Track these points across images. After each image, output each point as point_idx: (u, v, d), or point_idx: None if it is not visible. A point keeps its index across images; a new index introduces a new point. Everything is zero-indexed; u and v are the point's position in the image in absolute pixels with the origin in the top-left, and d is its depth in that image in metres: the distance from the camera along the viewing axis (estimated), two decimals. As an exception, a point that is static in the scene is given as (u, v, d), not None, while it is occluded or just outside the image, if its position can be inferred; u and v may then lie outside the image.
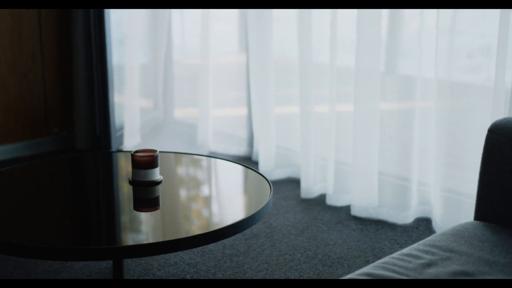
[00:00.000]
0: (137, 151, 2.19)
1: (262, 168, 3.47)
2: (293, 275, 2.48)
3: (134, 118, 3.88)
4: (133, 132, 3.88)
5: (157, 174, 2.18)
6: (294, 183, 3.43)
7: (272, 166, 3.47)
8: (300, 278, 2.46)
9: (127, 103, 3.85)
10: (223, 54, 3.90)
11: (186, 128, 4.14)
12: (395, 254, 1.60)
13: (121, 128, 3.90)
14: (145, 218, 2.09)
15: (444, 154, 2.79)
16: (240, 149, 3.84)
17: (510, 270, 1.51)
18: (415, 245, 1.65)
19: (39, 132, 3.93)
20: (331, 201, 3.13)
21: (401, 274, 1.48)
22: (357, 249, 2.69)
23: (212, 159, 2.64)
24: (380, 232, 2.85)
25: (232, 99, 3.92)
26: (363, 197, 2.99)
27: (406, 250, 1.62)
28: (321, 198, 3.22)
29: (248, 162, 3.72)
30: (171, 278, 2.45)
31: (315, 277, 2.47)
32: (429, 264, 1.54)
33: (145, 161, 2.16)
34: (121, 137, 3.87)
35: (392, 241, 2.76)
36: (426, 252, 1.60)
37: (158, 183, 2.18)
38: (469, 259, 1.56)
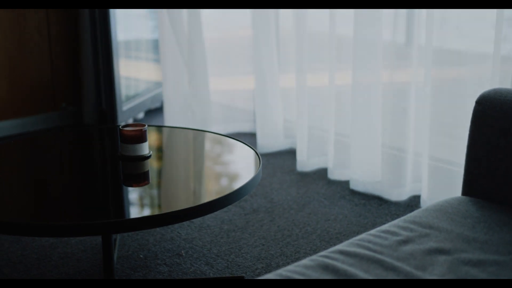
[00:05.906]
0: (125, 126, 2.15)
1: (262, 142, 3.42)
2: (289, 251, 2.44)
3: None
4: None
5: (146, 148, 2.14)
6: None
7: (280, 141, 3.43)
8: (296, 253, 2.42)
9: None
10: (237, 28, 3.83)
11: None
12: (373, 231, 1.54)
13: (130, 103, 3.88)
14: (134, 193, 2.06)
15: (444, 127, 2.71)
16: (251, 125, 3.80)
17: (489, 247, 1.45)
18: (395, 221, 1.59)
19: (46, 107, 3.93)
20: (332, 175, 3.08)
21: (375, 251, 1.43)
22: (357, 225, 2.64)
23: (205, 133, 2.60)
24: (383, 207, 2.79)
25: (244, 73, 3.86)
26: (365, 171, 2.92)
27: (385, 227, 1.56)
28: (322, 171, 3.17)
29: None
30: (166, 253, 2.43)
31: (312, 252, 2.43)
32: (405, 241, 1.48)
33: (133, 135, 2.12)
34: (129, 112, 3.85)
35: (394, 217, 2.70)
36: (404, 228, 1.54)
37: (147, 157, 2.14)
38: (448, 235, 1.49)
